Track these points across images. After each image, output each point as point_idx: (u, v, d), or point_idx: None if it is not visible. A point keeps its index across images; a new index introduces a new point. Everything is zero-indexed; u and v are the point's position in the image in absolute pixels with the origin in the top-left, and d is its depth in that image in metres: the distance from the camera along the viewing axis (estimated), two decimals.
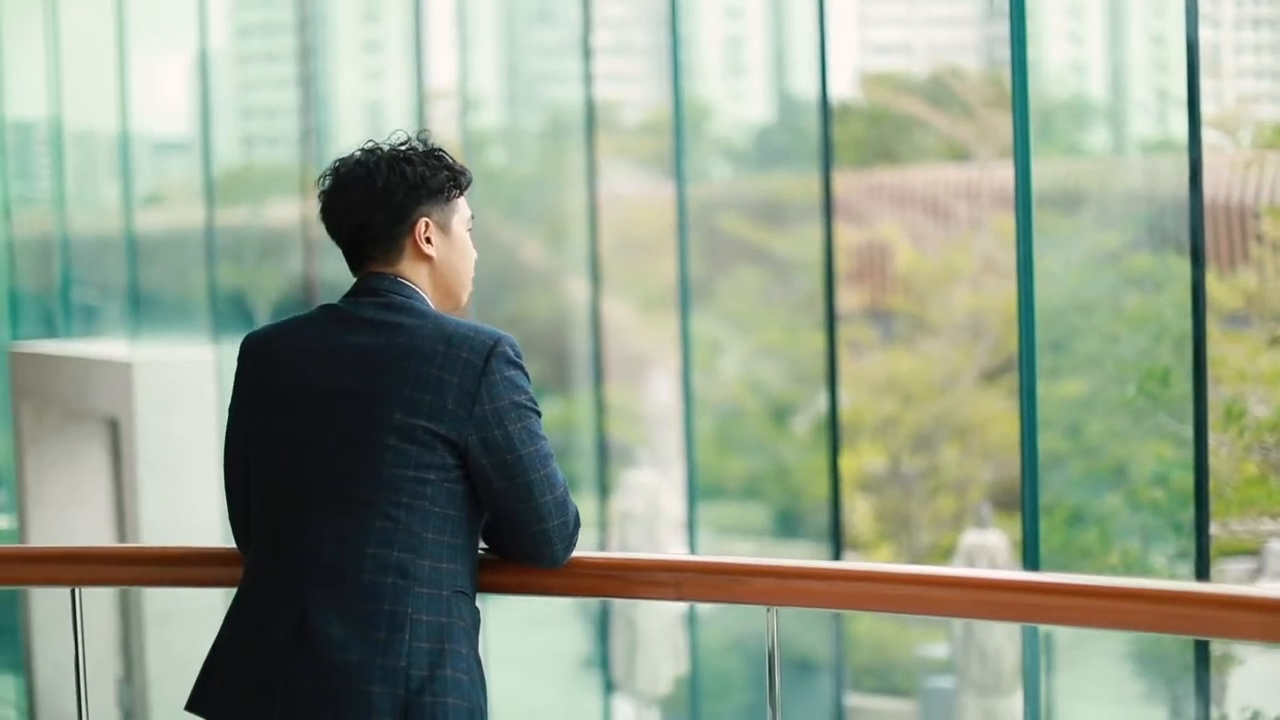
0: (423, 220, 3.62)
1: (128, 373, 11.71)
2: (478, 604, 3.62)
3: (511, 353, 3.51)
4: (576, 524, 3.58)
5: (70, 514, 13.06)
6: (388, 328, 3.55)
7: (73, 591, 4.15)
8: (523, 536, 3.54)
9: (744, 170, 14.16)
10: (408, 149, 3.64)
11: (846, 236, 12.26)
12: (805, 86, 13.50)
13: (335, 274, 11.78)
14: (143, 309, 14.84)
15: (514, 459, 3.47)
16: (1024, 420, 5.12)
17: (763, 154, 13.96)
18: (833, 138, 9.40)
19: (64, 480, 13.15)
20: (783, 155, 13.56)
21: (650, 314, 13.17)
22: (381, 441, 3.47)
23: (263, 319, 14.00)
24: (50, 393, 13.17)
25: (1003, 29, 13.89)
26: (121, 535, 12.28)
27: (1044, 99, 13.12)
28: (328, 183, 3.67)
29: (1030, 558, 5.19)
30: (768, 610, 3.64)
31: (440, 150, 3.68)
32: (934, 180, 13.05)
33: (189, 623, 11.52)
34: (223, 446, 3.73)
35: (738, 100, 14.00)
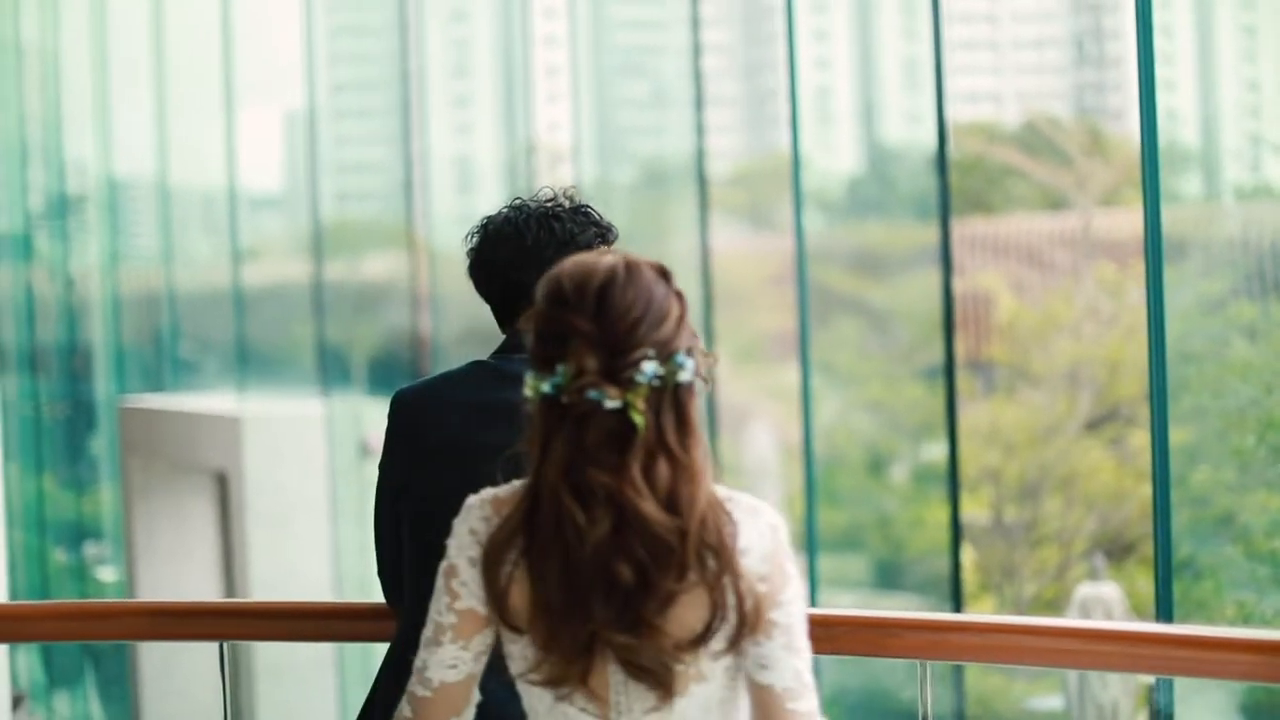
0: None
1: (236, 427, 11.80)
2: None
3: None
4: None
5: (177, 567, 13.16)
6: None
7: (221, 646, 4.21)
8: None
9: (835, 221, 14.16)
10: (555, 206, 3.63)
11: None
12: (894, 136, 13.49)
13: (439, 327, 11.86)
14: (247, 363, 14.95)
15: None
16: (1156, 471, 5.09)
17: (854, 204, 13.95)
18: (949, 188, 9.39)
19: (171, 533, 13.26)
20: (874, 205, 13.55)
21: (746, 366, 13.16)
22: None
23: (360, 373, 14.08)
24: (158, 447, 13.29)
25: (1091, 76, 13.89)
26: (229, 588, 12.37)
27: (1136, 147, 13.02)
28: (476, 240, 3.66)
29: (1164, 610, 5.16)
30: (920, 665, 3.64)
31: (587, 207, 3.66)
32: (1030, 229, 13.02)
33: (299, 677, 11.58)
34: (374, 503, 3.71)
35: (827, 151, 14.00)
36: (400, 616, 3.65)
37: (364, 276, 14.71)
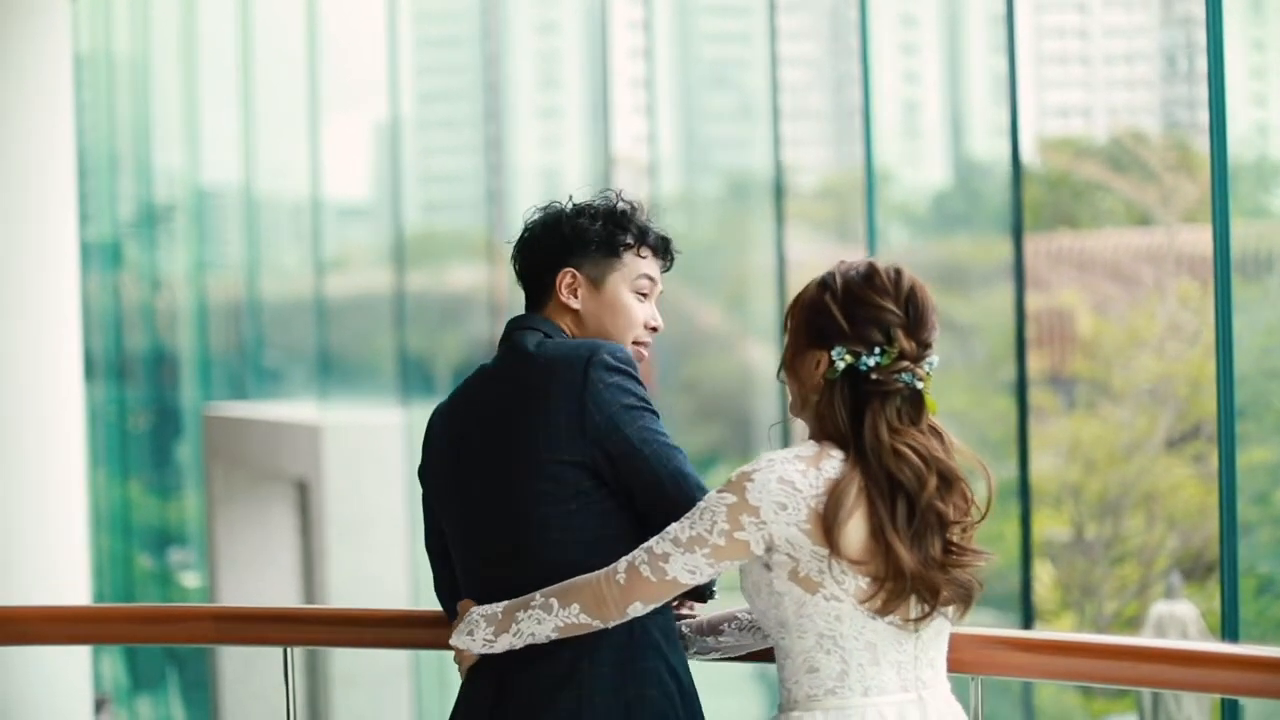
0: (567, 272, 3.66)
1: (317, 436, 11.87)
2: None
3: (611, 359, 3.50)
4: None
5: (258, 573, 13.25)
6: (509, 373, 3.60)
7: (285, 651, 4.25)
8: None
9: (921, 235, 14.11)
10: (573, 206, 3.70)
11: (1028, 302, 12.19)
12: (983, 150, 13.42)
13: None
14: (330, 372, 15.03)
15: (640, 463, 3.46)
16: (1223, 489, 5.06)
17: (940, 219, 13.88)
18: (1022, 203, 9.36)
19: (252, 540, 13.35)
20: (961, 220, 13.48)
21: None
22: (520, 485, 3.49)
23: (443, 383, 14.15)
24: (240, 454, 13.39)
25: (1182, 91, 13.77)
26: (309, 596, 12.44)
27: (1228, 162, 12.88)
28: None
29: (1230, 629, 5.12)
30: (972, 679, 3.64)
31: (616, 208, 3.70)
32: (1116, 245, 12.93)
33: (374, 685, 11.64)
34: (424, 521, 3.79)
35: (915, 165, 13.95)
36: None
37: (448, 287, 14.78)
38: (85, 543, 9.77)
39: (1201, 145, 13.34)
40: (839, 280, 3.31)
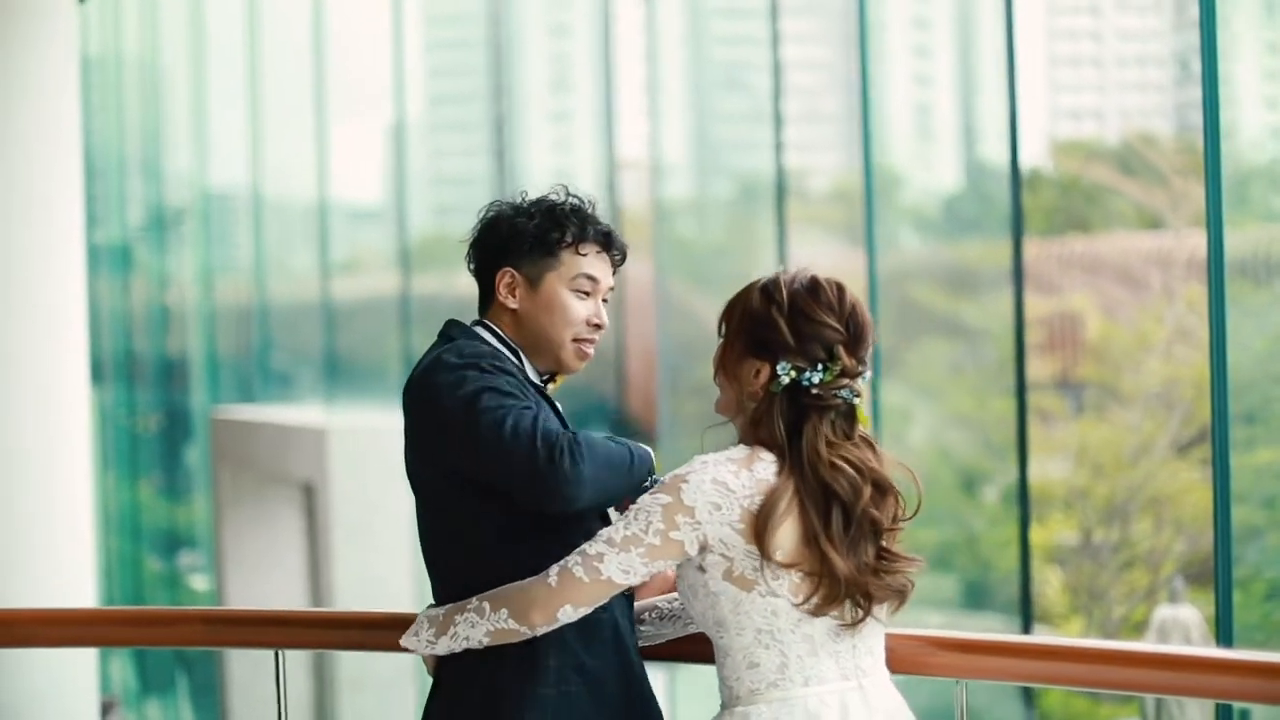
0: (504, 272, 3.64)
1: (323, 439, 11.89)
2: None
3: (453, 359, 3.48)
4: (543, 437, 3.33)
5: (265, 576, 13.27)
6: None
7: (276, 654, 4.25)
8: (520, 496, 3.39)
9: (932, 238, 14.09)
10: (517, 205, 3.69)
11: (1037, 306, 12.15)
12: (995, 154, 13.40)
13: None
14: (337, 375, 15.04)
15: (475, 442, 3.38)
16: (1217, 493, 5.05)
17: (952, 222, 13.86)
18: (1022, 206, 9.33)
19: (260, 543, 13.36)
20: (972, 223, 13.47)
21: None
22: (420, 503, 3.60)
23: None
24: (248, 457, 13.40)
25: (1194, 94, 13.74)
26: (315, 598, 12.44)
27: (1240, 165, 12.86)
28: None
29: (1224, 633, 5.10)
30: (957, 683, 3.65)
31: (556, 205, 3.66)
32: (1126, 248, 12.91)
33: (380, 688, 11.65)
34: None
35: (927, 168, 13.93)
36: None
37: (456, 290, 14.78)
38: (91, 546, 9.77)
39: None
40: (784, 293, 3.35)
